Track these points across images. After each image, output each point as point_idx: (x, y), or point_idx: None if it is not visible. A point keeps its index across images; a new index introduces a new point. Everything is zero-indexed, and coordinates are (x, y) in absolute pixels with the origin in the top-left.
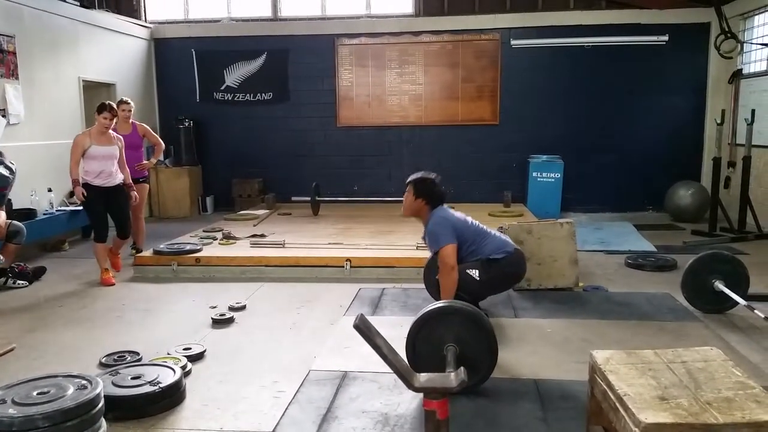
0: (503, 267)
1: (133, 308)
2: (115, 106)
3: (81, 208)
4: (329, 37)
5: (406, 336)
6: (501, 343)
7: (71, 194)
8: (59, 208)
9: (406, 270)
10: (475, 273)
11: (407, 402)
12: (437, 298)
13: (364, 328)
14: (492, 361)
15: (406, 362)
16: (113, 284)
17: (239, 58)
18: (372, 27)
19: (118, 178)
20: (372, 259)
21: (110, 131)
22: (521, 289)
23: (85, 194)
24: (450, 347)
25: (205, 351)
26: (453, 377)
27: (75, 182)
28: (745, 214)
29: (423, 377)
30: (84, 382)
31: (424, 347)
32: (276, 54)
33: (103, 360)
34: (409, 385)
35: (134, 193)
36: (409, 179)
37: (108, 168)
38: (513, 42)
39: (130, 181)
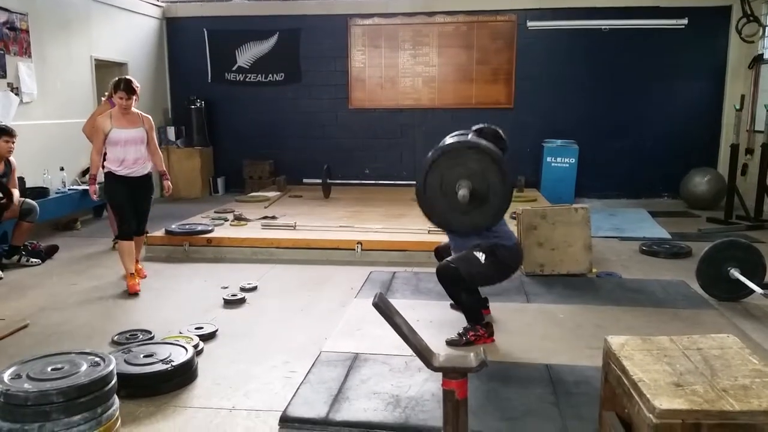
0: (508, 256)
1: (145, 287)
2: (134, 83)
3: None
4: (342, 17)
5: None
6: (513, 329)
7: (83, 173)
8: (71, 187)
9: (418, 254)
10: (481, 255)
11: (418, 384)
12: (446, 286)
13: (383, 307)
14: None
15: (425, 342)
16: (138, 292)
17: (251, 38)
18: (385, 7)
19: (147, 166)
20: (383, 243)
21: (135, 110)
22: (534, 274)
23: (105, 186)
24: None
25: (216, 330)
26: (473, 357)
27: (92, 177)
28: (762, 202)
29: (442, 357)
30: (97, 359)
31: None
32: (288, 34)
33: (116, 338)
34: (429, 365)
35: (168, 183)
36: (475, 127)
37: (132, 155)
38: (529, 24)
39: (163, 167)
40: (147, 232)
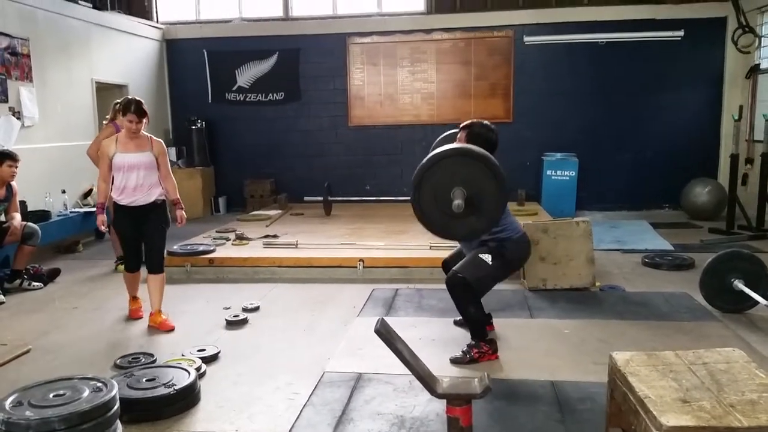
0: (516, 250)
1: (147, 309)
2: (144, 105)
3: (94, 209)
4: (340, 36)
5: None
6: (517, 345)
7: (85, 195)
8: (73, 210)
9: (420, 270)
10: (487, 257)
11: (423, 404)
12: (455, 297)
13: (385, 333)
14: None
15: (428, 368)
16: (141, 317)
17: (251, 58)
18: (383, 25)
19: (153, 194)
20: (385, 260)
21: (145, 133)
22: (537, 289)
23: (113, 218)
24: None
25: (219, 352)
26: (477, 383)
27: (99, 207)
28: (764, 211)
29: (446, 383)
30: (99, 384)
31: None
32: (287, 54)
33: (118, 362)
34: (432, 392)
35: (181, 213)
36: (464, 124)
37: (133, 181)
38: (526, 39)
39: (177, 195)
40: (163, 271)
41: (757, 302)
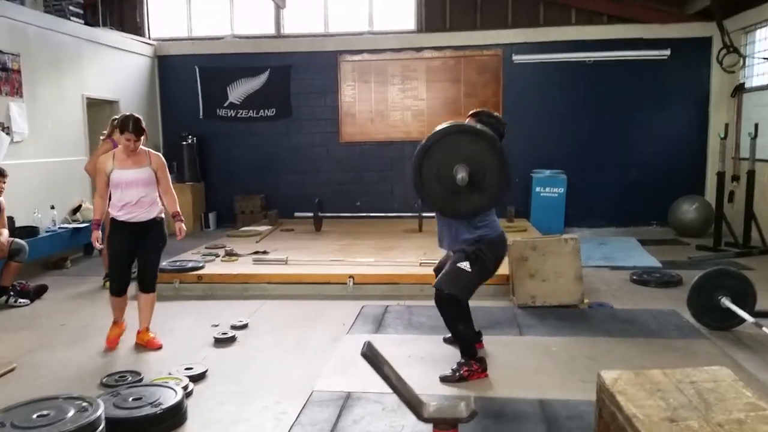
0: (494, 250)
1: (134, 327)
2: (142, 122)
3: (85, 225)
4: (332, 53)
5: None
6: (506, 363)
7: (74, 211)
8: (62, 226)
9: (409, 287)
10: (466, 265)
11: (412, 425)
12: (444, 313)
13: (372, 356)
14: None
15: (415, 392)
16: (115, 348)
17: (242, 74)
18: (374, 44)
19: (154, 211)
20: (375, 276)
21: (143, 148)
22: (526, 306)
23: (107, 233)
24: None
25: (206, 371)
26: (463, 407)
27: (95, 223)
28: (750, 228)
29: (432, 407)
30: (84, 404)
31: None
32: (279, 70)
33: (104, 380)
34: (419, 416)
35: (181, 225)
36: (472, 111)
37: (133, 197)
38: (515, 57)
39: (177, 208)
40: (155, 290)
41: (744, 320)
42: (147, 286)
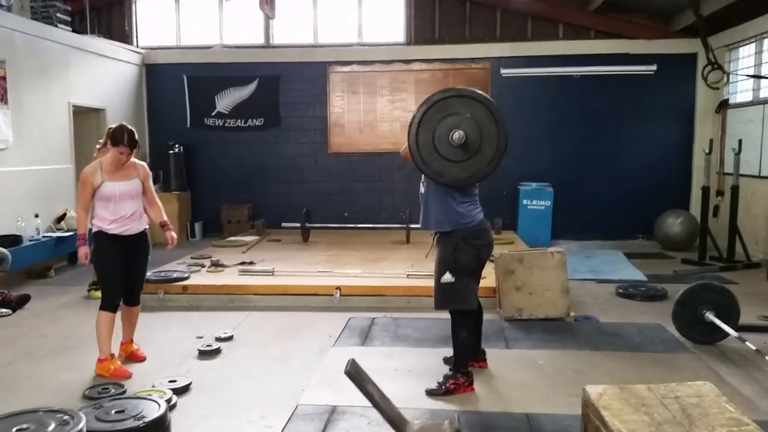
0: (474, 237)
1: (118, 338)
2: (136, 135)
3: (69, 234)
4: (321, 64)
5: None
6: (493, 376)
7: (59, 220)
8: (46, 234)
9: (397, 299)
10: (447, 277)
11: None
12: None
13: (355, 375)
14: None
15: (398, 410)
16: (130, 375)
17: (231, 84)
18: (364, 55)
19: (144, 222)
20: (362, 288)
21: (132, 158)
22: (513, 319)
23: (94, 248)
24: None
25: (190, 383)
26: (447, 426)
27: (81, 239)
28: (734, 242)
29: (416, 426)
30: (66, 417)
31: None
32: (267, 80)
33: (87, 393)
34: None
35: (171, 234)
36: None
37: (127, 210)
38: (503, 71)
39: (164, 217)
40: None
41: (728, 334)
42: (137, 298)
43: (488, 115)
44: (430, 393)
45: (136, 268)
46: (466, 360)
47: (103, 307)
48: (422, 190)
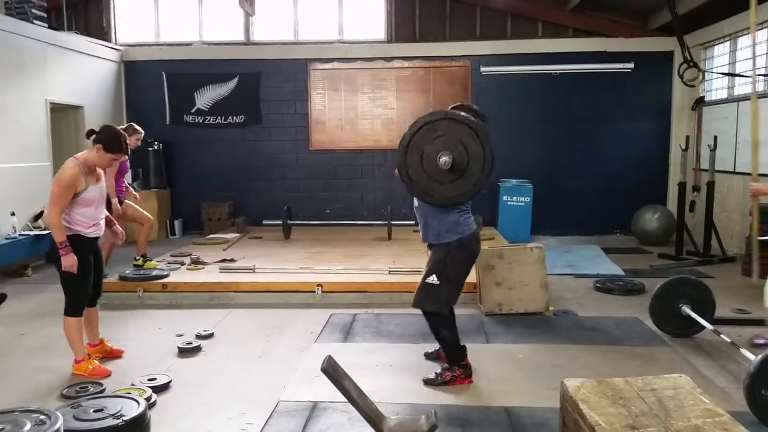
0: (466, 247)
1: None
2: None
3: (47, 232)
4: (302, 61)
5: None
6: (473, 371)
7: (36, 218)
8: (22, 233)
9: (378, 295)
10: (433, 279)
11: None
12: (429, 324)
13: (332, 371)
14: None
15: (376, 406)
16: (110, 373)
17: (211, 81)
18: (345, 52)
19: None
20: (344, 284)
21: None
22: (493, 313)
23: (77, 255)
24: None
25: (170, 381)
26: (424, 421)
27: (65, 247)
28: (710, 237)
29: (392, 422)
30: (42, 417)
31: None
32: (248, 77)
33: (65, 392)
34: (379, 431)
35: (119, 229)
36: (453, 105)
37: (102, 213)
38: (483, 69)
39: (116, 211)
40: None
41: (704, 327)
42: (97, 298)
43: (475, 137)
44: (428, 382)
45: (100, 270)
46: (459, 354)
47: (72, 314)
48: (416, 203)
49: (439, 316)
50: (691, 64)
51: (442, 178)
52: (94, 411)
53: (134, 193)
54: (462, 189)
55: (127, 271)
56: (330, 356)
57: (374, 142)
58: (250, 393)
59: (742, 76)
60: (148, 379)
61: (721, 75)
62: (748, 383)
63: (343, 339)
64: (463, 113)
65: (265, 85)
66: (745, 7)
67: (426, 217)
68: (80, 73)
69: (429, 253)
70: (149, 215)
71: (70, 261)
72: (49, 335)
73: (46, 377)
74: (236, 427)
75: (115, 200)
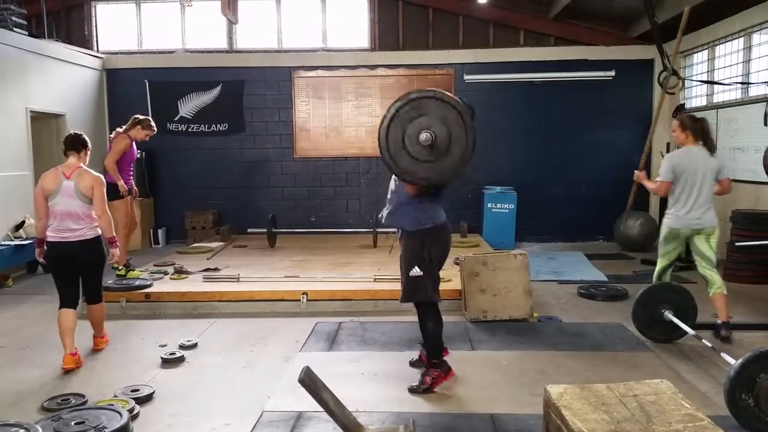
0: (439, 235)
1: (78, 348)
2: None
3: (28, 242)
4: (285, 69)
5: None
6: (458, 378)
7: (17, 227)
8: (3, 243)
9: (363, 303)
10: (416, 271)
11: None
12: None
13: (309, 383)
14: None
15: (354, 416)
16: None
17: (194, 89)
18: (328, 60)
19: None
20: (329, 292)
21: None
22: (478, 320)
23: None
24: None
25: (153, 392)
26: (402, 430)
27: (114, 241)
28: None
29: (371, 431)
30: (21, 430)
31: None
32: (231, 85)
33: (46, 404)
34: None
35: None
36: None
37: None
38: (466, 77)
39: (122, 188)
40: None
41: (686, 332)
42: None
43: (460, 122)
44: (412, 390)
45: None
46: (438, 350)
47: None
48: (392, 186)
49: (431, 305)
50: (671, 71)
51: (421, 156)
52: (76, 423)
53: (135, 188)
54: (443, 168)
55: (110, 281)
56: (308, 367)
57: (359, 150)
58: (235, 403)
59: (721, 84)
60: (131, 390)
61: (700, 83)
62: (728, 387)
63: (329, 348)
64: (449, 94)
65: (248, 93)
66: (722, 17)
67: (397, 202)
68: (61, 81)
69: (401, 246)
70: (137, 221)
71: (112, 258)
72: (29, 347)
73: (26, 390)
74: None
75: (121, 182)
